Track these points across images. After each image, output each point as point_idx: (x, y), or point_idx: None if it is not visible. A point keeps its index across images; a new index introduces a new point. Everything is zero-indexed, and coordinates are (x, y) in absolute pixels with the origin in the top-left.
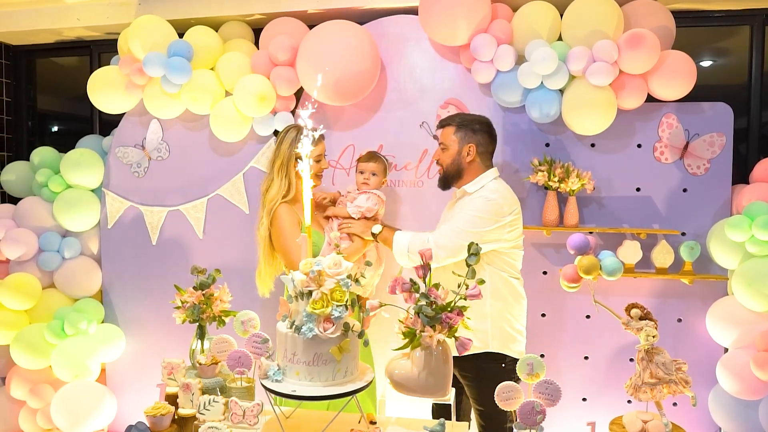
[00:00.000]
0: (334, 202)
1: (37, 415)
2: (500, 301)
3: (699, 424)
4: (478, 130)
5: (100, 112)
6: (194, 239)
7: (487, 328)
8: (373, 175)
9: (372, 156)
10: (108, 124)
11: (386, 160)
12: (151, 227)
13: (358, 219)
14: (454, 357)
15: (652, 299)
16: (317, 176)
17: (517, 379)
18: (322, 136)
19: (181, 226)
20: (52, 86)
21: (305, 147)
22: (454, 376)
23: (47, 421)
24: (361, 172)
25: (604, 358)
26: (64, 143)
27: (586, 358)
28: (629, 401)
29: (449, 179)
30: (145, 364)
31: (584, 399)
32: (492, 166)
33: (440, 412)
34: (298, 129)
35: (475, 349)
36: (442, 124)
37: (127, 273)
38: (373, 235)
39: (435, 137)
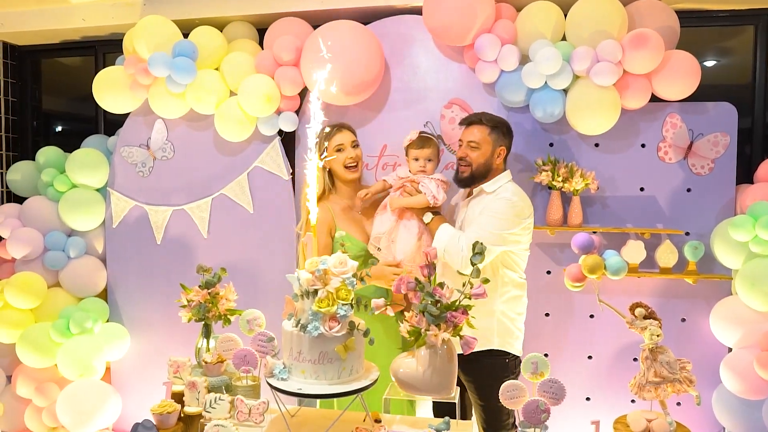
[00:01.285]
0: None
1: (43, 414)
2: (508, 301)
3: (702, 423)
4: (507, 133)
5: (104, 111)
6: (199, 238)
7: (493, 326)
8: (429, 161)
9: (425, 141)
10: (112, 123)
11: (437, 138)
12: (156, 226)
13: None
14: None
15: (656, 299)
16: (348, 168)
17: (517, 375)
18: (341, 127)
19: (185, 225)
20: (57, 86)
21: (309, 143)
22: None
23: (53, 419)
24: (416, 159)
25: (608, 358)
26: (69, 143)
27: (589, 357)
28: (633, 401)
29: (476, 179)
30: (149, 363)
31: (588, 398)
32: (506, 168)
33: (441, 410)
34: (321, 129)
35: (478, 346)
36: (471, 121)
37: (132, 272)
38: (425, 223)
39: (439, 137)
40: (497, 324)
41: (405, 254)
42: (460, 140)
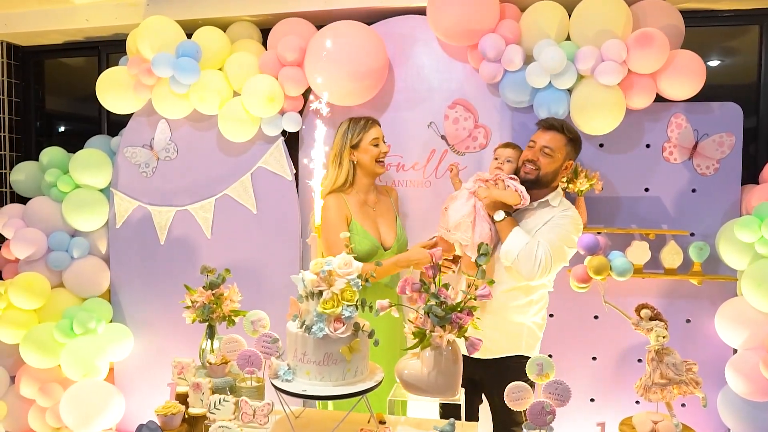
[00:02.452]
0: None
1: (47, 414)
2: (539, 311)
3: (708, 425)
4: (577, 149)
5: (107, 112)
6: (202, 239)
7: (523, 333)
8: (508, 161)
9: (509, 143)
10: (115, 124)
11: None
12: (159, 227)
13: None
14: (483, 359)
15: (661, 300)
16: (378, 162)
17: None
18: (374, 121)
19: (189, 225)
20: (60, 87)
21: (318, 140)
22: (469, 376)
23: (56, 419)
24: (496, 158)
25: (612, 359)
26: (72, 143)
27: (594, 358)
28: (637, 402)
29: (539, 185)
30: (152, 364)
31: (592, 399)
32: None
33: (448, 412)
34: (350, 120)
35: (505, 352)
36: (552, 125)
37: (135, 272)
38: (493, 220)
39: (443, 137)
40: (527, 331)
41: (482, 239)
42: (532, 140)
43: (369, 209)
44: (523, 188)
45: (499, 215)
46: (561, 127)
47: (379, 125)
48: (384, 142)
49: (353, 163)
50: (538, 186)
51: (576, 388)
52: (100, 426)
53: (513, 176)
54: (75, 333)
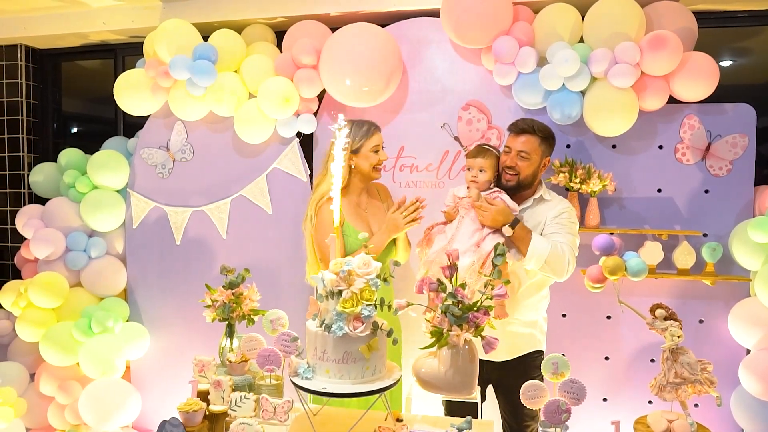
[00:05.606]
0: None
1: (66, 411)
2: (546, 305)
3: (721, 425)
4: (552, 144)
5: (124, 113)
6: (218, 239)
7: (537, 328)
8: (481, 171)
9: (479, 150)
10: (131, 126)
11: (497, 151)
12: (176, 227)
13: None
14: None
15: (674, 300)
16: (376, 169)
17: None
18: (377, 128)
19: (204, 226)
20: (76, 89)
21: (339, 141)
22: (485, 377)
23: (75, 416)
24: (469, 169)
25: (625, 359)
26: (89, 145)
27: (606, 358)
28: (650, 401)
29: (521, 188)
30: (168, 362)
31: (605, 399)
32: None
33: (452, 410)
34: (352, 123)
35: (527, 349)
36: (523, 129)
37: (152, 272)
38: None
39: (456, 138)
40: (539, 326)
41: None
42: (507, 146)
43: (361, 211)
44: (509, 199)
45: (508, 231)
46: (532, 128)
47: (380, 131)
48: (383, 149)
49: (350, 167)
50: (521, 189)
51: (589, 387)
52: (117, 423)
53: (496, 190)
54: (93, 332)
